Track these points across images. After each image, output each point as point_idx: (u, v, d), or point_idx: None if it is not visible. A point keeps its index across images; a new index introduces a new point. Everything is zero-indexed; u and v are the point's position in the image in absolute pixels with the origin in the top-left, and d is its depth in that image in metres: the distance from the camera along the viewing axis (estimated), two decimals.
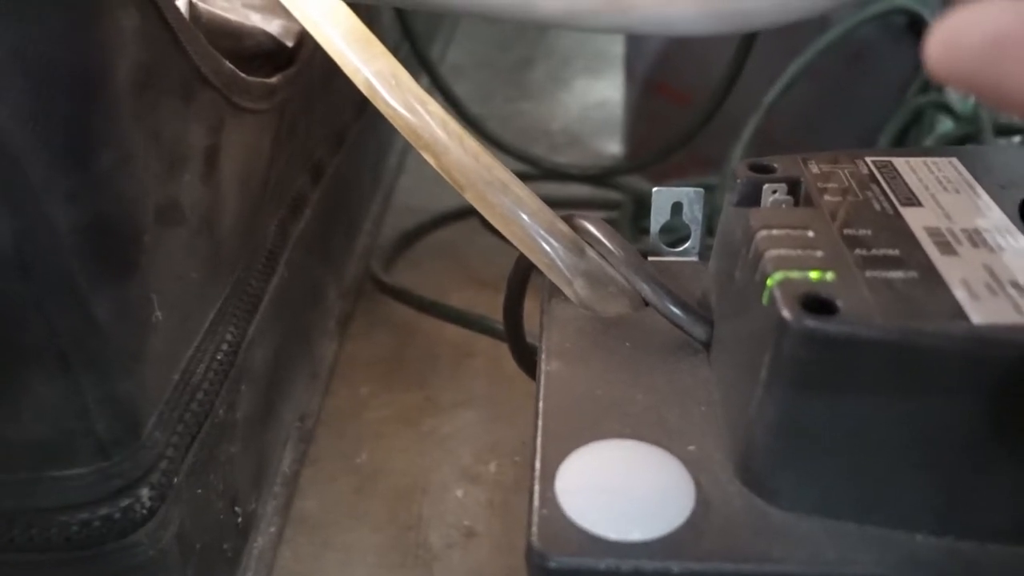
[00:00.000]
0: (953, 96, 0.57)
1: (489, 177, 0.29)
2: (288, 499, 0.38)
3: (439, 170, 0.29)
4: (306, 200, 0.40)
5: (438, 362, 0.46)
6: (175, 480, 0.27)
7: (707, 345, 0.26)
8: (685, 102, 0.60)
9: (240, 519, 0.33)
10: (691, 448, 0.23)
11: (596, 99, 0.79)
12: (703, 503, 0.21)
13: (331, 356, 0.46)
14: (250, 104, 0.30)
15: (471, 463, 0.40)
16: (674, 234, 0.32)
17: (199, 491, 0.29)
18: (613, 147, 0.70)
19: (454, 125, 0.29)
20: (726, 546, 0.20)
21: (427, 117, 0.29)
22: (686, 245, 0.31)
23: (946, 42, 0.14)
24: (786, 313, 0.20)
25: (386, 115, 0.29)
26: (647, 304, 0.28)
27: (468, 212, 0.57)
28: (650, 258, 0.31)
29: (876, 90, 0.55)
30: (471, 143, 0.29)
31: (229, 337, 0.31)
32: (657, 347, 0.27)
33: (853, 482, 0.20)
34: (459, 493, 0.38)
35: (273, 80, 0.33)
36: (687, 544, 0.20)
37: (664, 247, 0.31)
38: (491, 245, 0.55)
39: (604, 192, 0.60)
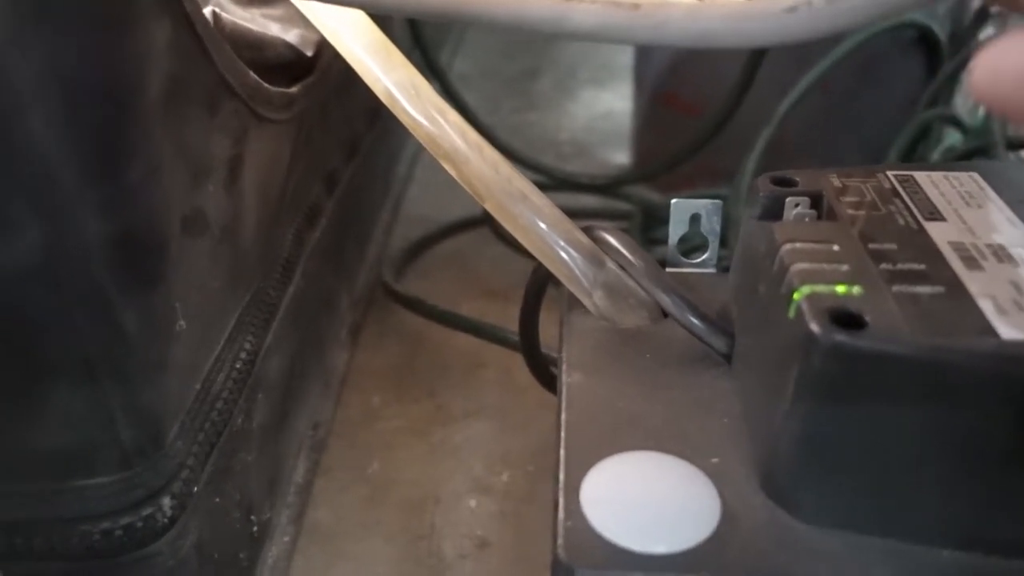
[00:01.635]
0: (962, 109, 0.57)
1: (509, 187, 0.29)
2: (301, 508, 0.38)
3: (459, 180, 0.29)
4: (321, 209, 0.40)
5: (449, 372, 0.46)
6: (195, 489, 0.27)
7: (728, 357, 0.26)
8: (694, 113, 0.60)
9: (255, 528, 0.33)
10: (715, 460, 0.23)
11: (602, 110, 0.79)
12: (728, 516, 0.21)
13: (343, 365, 0.46)
14: (272, 114, 0.30)
15: (483, 473, 0.40)
16: (686, 244, 0.32)
17: (217, 500, 0.29)
18: (620, 158, 0.70)
19: (473, 135, 0.29)
20: (750, 560, 0.20)
21: (447, 127, 0.29)
22: (704, 257, 0.31)
23: (988, 67, 0.15)
24: (815, 327, 0.20)
25: (406, 125, 0.29)
26: (667, 316, 0.28)
27: (478, 222, 0.57)
28: (667, 269, 0.31)
29: (886, 103, 0.55)
30: (490, 153, 0.29)
31: (248, 346, 0.31)
32: (677, 359, 0.27)
33: (878, 497, 0.20)
34: (471, 503, 0.38)
35: (293, 90, 0.33)
36: (712, 557, 0.20)
37: (682, 258, 0.32)
38: (501, 255, 0.55)
39: (613, 202, 0.61)
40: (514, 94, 0.83)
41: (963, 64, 0.53)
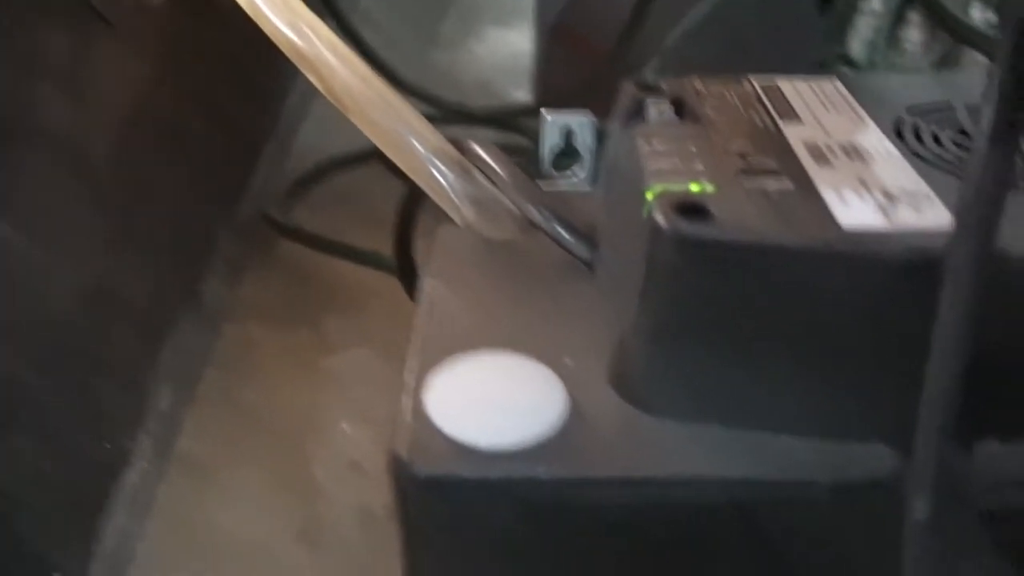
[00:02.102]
0: (855, 49, 0.58)
1: (377, 100, 0.28)
2: (168, 438, 0.36)
3: (325, 93, 0.28)
4: (191, 134, 0.38)
5: (334, 303, 0.45)
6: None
7: (592, 266, 0.26)
8: (593, 49, 0.60)
9: (111, 454, 0.31)
10: (567, 361, 0.22)
11: (508, 50, 0.78)
12: (576, 413, 0.21)
13: (221, 297, 0.44)
14: (126, 23, 0.28)
15: (363, 400, 0.39)
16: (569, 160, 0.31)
17: (60, 423, 0.27)
18: (523, 96, 0.69)
19: (344, 49, 0.28)
20: (597, 453, 0.20)
21: (313, 37, 0.27)
22: (578, 172, 0.31)
23: None
24: (661, 220, 0.19)
25: (270, 35, 0.28)
26: (535, 227, 0.27)
27: (371, 156, 0.55)
28: (543, 185, 0.31)
29: (779, 39, 0.55)
30: (361, 66, 0.28)
31: (101, 267, 0.29)
32: (543, 269, 0.26)
33: (724, 387, 0.20)
34: (348, 430, 0.38)
35: (155, 1, 0.31)
36: (558, 452, 0.20)
37: (556, 174, 0.31)
38: (394, 189, 0.54)
39: (512, 137, 0.60)
40: (418, 33, 0.81)
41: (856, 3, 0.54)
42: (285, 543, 0.33)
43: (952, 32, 0.41)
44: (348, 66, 0.27)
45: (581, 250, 0.26)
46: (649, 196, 0.21)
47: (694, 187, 0.21)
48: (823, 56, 0.54)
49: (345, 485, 0.35)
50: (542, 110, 0.30)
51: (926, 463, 0.18)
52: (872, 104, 0.24)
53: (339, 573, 0.32)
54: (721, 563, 0.21)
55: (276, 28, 0.27)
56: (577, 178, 0.30)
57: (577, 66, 0.58)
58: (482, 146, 0.28)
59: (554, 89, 0.62)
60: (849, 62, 0.54)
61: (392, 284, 0.44)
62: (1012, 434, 0.20)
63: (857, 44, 0.57)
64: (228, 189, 0.47)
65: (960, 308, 0.17)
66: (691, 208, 0.19)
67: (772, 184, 0.20)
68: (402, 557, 0.22)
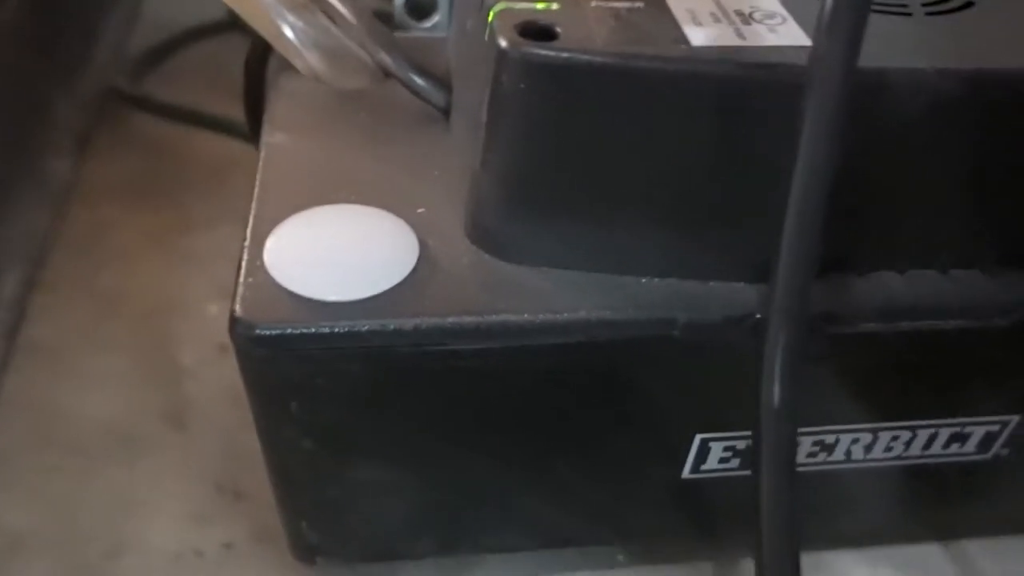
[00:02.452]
0: None
1: None
2: (13, 325, 0.34)
3: None
4: None
5: (193, 178, 0.42)
6: None
7: (447, 113, 0.24)
8: None
9: None
10: (420, 211, 0.21)
11: None
12: (427, 261, 0.20)
13: (66, 175, 0.41)
14: None
15: (228, 279, 0.37)
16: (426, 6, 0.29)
17: None
18: None
19: None
20: (449, 301, 0.19)
21: None
22: (435, 19, 0.29)
23: None
24: (503, 42, 0.18)
25: None
26: (387, 75, 0.25)
27: (228, 26, 0.51)
28: (397, 34, 0.29)
29: None
30: None
31: None
32: (396, 118, 0.25)
33: (579, 228, 0.19)
34: (213, 310, 0.36)
35: None
36: (406, 301, 0.19)
37: (412, 22, 0.29)
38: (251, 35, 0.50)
39: None
40: None
41: None
42: (149, 426, 0.31)
43: None
44: None
45: (437, 97, 0.25)
46: (491, 17, 0.19)
47: (540, 5, 0.19)
48: None
49: (212, 367, 0.33)
50: None
51: (786, 296, 0.18)
52: None
53: (208, 453, 0.31)
54: (579, 405, 0.21)
55: None
56: (432, 23, 0.29)
57: None
58: None
59: None
60: None
61: (252, 156, 0.41)
62: (868, 267, 0.21)
63: None
64: (67, 59, 0.43)
65: (825, 123, 0.16)
66: (535, 28, 0.18)
67: (622, 4, 0.19)
68: (256, 427, 0.21)
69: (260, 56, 0.29)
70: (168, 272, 0.37)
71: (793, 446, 0.19)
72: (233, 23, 0.51)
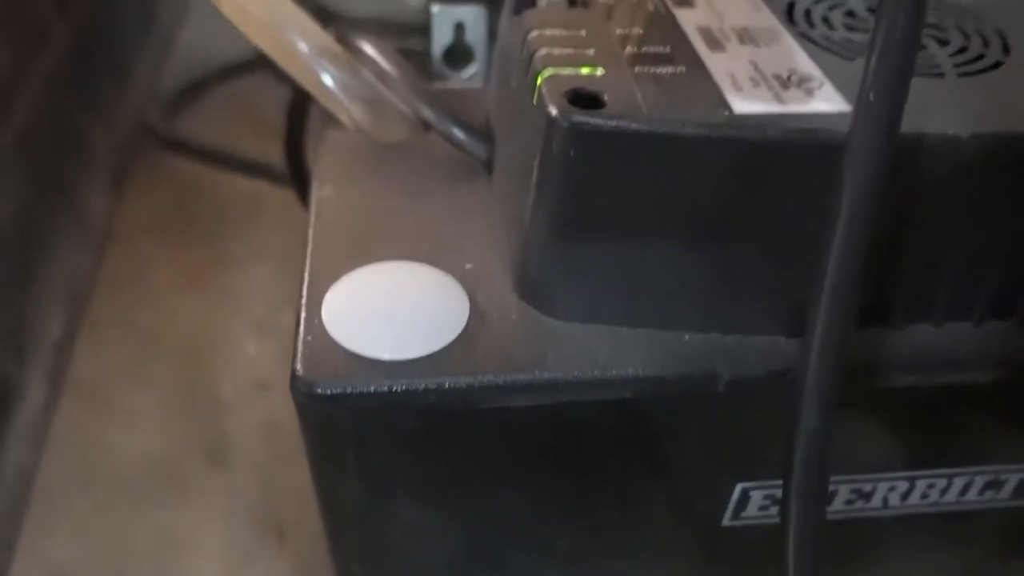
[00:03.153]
0: None
1: None
2: (60, 365, 0.35)
3: None
4: (49, 32, 0.35)
5: (227, 216, 0.43)
6: None
7: (490, 166, 0.25)
8: None
9: None
10: (468, 266, 0.22)
11: None
12: (478, 318, 0.20)
13: (103, 213, 0.42)
14: None
15: (264, 316, 0.38)
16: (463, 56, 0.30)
17: None
18: None
19: None
20: (500, 357, 0.20)
21: None
22: (471, 69, 0.30)
23: None
24: (552, 109, 0.19)
25: None
26: (428, 128, 0.26)
27: (260, 63, 0.52)
28: (435, 84, 0.30)
29: None
30: None
31: None
32: (438, 170, 0.25)
33: (625, 285, 0.20)
34: (251, 348, 0.36)
35: None
36: (460, 358, 0.20)
37: (450, 72, 0.30)
38: (285, 96, 0.51)
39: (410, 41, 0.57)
40: None
41: None
42: (191, 463, 0.32)
43: None
44: None
45: (477, 149, 0.25)
46: (538, 81, 0.20)
47: (585, 71, 0.20)
48: None
49: (251, 403, 0.34)
50: (431, 3, 0.28)
51: (824, 348, 0.18)
52: None
53: (249, 490, 0.31)
54: (623, 457, 0.21)
55: None
56: (470, 75, 0.29)
57: None
58: (370, 43, 0.27)
59: None
60: None
61: (287, 195, 0.42)
62: (904, 320, 0.21)
63: None
64: (106, 96, 0.44)
65: (866, 185, 0.17)
66: (582, 93, 0.19)
67: (664, 69, 0.20)
68: (311, 475, 0.22)
69: (301, 105, 0.30)
70: (205, 309, 0.38)
71: (824, 494, 0.19)
72: (264, 60, 0.52)
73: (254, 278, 0.40)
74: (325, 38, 0.26)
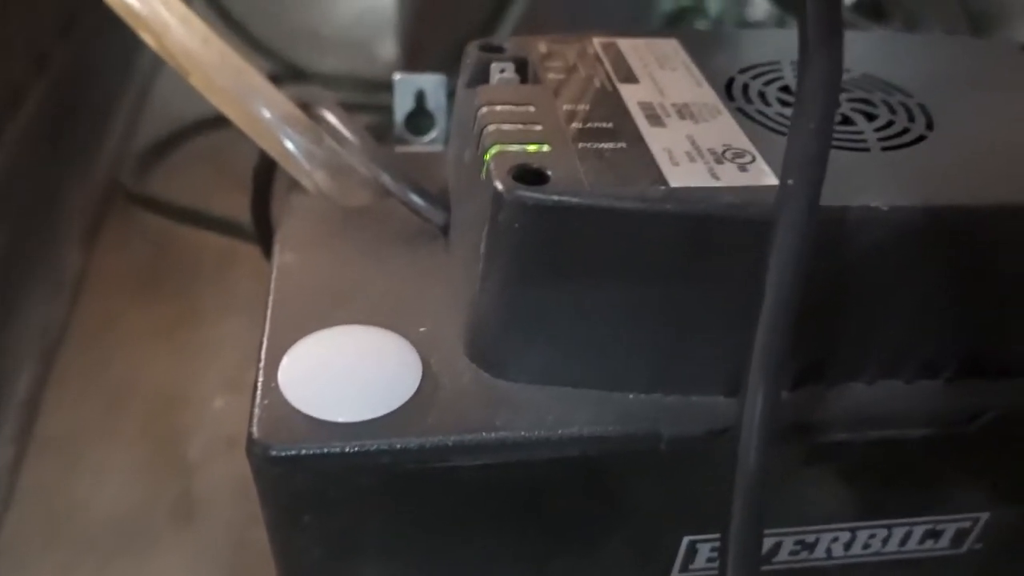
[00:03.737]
0: (709, 3, 0.59)
1: (218, 62, 0.27)
2: (28, 420, 0.35)
3: (160, 53, 0.27)
4: (26, 92, 0.36)
5: (200, 271, 0.44)
6: None
7: (446, 230, 0.26)
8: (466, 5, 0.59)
9: None
10: (423, 329, 0.23)
11: (370, 2, 0.76)
12: (430, 380, 0.21)
13: (77, 268, 0.42)
14: None
15: (234, 371, 0.38)
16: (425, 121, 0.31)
17: None
18: (388, 50, 0.68)
19: (180, 6, 0.27)
20: (451, 419, 0.20)
21: None
22: (432, 134, 0.31)
23: None
24: (499, 184, 0.20)
25: None
26: (388, 193, 0.27)
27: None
28: (397, 148, 0.31)
29: None
30: (200, 25, 0.27)
31: None
32: (397, 235, 0.26)
33: (572, 348, 0.21)
34: (220, 403, 0.37)
35: None
36: (411, 420, 0.20)
37: (412, 137, 0.31)
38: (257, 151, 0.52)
39: (379, 97, 0.59)
40: None
41: None
42: (158, 519, 0.33)
43: None
44: (185, 25, 0.26)
45: (434, 214, 0.26)
46: (487, 157, 0.21)
47: (531, 148, 0.21)
48: (676, 9, 0.55)
49: (219, 459, 0.35)
50: (394, 72, 0.29)
51: (757, 409, 0.19)
52: (707, 63, 0.25)
53: (217, 547, 0.32)
54: (573, 512, 0.22)
55: None
56: (431, 139, 0.31)
57: (449, 20, 0.57)
58: (331, 110, 0.28)
59: (426, 45, 0.61)
60: (704, 15, 0.56)
61: (256, 250, 0.43)
62: (838, 379, 0.22)
63: None
64: (81, 153, 0.45)
65: (790, 256, 0.18)
66: (528, 171, 0.20)
67: (607, 145, 0.21)
68: (269, 538, 0.22)
69: (267, 169, 0.31)
70: (176, 364, 0.39)
71: (759, 542, 0.20)
72: None
73: (225, 333, 0.41)
74: (288, 106, 0.27)
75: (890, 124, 0.23)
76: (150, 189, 0.47)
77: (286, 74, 0.57)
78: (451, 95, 0.30)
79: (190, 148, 0.54)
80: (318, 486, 0.20)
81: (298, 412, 0.20)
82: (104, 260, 0.44)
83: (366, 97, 0.56)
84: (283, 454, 0.20)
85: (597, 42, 0.26)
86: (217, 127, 0.54)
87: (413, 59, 0.62)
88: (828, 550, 0.24)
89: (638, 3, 0.56)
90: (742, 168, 0.21)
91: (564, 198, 0.19)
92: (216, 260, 0.45)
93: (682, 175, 0.20)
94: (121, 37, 0.53)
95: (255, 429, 0.20)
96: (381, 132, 0.31)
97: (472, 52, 0.25)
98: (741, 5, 0.53)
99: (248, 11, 0.59)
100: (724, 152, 0.21)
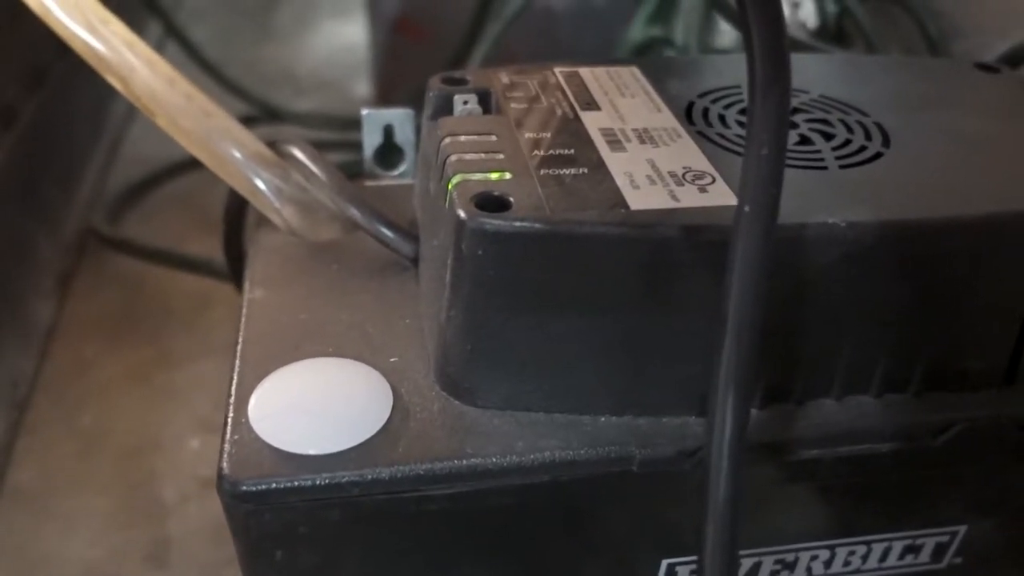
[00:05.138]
0: (678, 32, 0.60)
1: (184, 104, 0.27)
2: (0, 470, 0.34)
3: (127, 96, 0.27)
4: None
5: (173, 315, 0.44)
6: None
7: (415, 261, 0.26)
8: (428, 38, 0.60)
9: None
10: (393, 360, 0.23)
11: (344, 42, 0.77)
12: (400, 410, 0.21)
13: (48, 317, 0.42)
14: None
15: (208, 413, 0.38)
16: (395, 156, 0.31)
17: None
18: (362, 89, 0.69)
19: (146, 49, 0.27)
20: (421, 448, 0.20)
21: (111, 37, 0.26)
22: (402, 168, 0.31)
23: None
24: (461, 213, 0.20)
25: (63, 37, 0.27)
26: (357, 227, 0.27)
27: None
28: (367, 183, 0.31)
29: (600, 28, 0.57)
30: (165, 68, 0.27)
31: None
32: (367, 268, 0.26)
33: (540, 374, 0.21)
34: (195, 444, 0.37)
35: None
36: (381, 451, 0.20)
37: (381, 170, 0.31)
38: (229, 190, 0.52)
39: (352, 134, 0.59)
40: (251, 26, 0.79)
41: None
42: (131, 567, 0.32)
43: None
44: (151, 68, 0.26)
45: (403, 246, 0.26)
46: (449, 186, 0.21)
47: (493, 176, 0.21)
48: (645, 39, 0.56)
49: (194, 502, 0.34)
50: (362, 108, 0.30)
51: (724, 429, 0.19)
52: (667, 89, 0.25)
53: None
54: (548, 540, 0.22)
55: (68, 29, 0.26)
56: (400, 172, 0.31)
57: (422, 58, 0.58)
58: (299, 147, 0.28)
59: (394, 81, 0.62)
60: (671, 45, 0.56)
61: (230, 291, 0.43)
62: (806, 396, 0.22)
63: (679, 27, 0.59)
64: (51, 201, 0.45)
65: (750, 273, 0.18)
66: (490, 199, 0.20)
67: (568, 171, 0.21)
68: (241, 570, 0.22)
69: (238, 207, 0.31)
70: (149, 408, 0.39)
71: (735, 560, 0.20)
72: None
73: (200, 374, 0.40)
74: (256, 144, 0.27)
75: (847, 143, 0.23)
76: (124, 233, 0.47)
77: (261, 115, 0.57)
78: (419, 129, 0.30)
79: (164, 192, 0.54)
80: (290, 520, 0.20)
81: (268, 446, 0.20)
82: (77, 307, 0.44)
83: (341, 135, 0.57)
84: (253, 489, 0.20)
85: (559, 71, 0.26)
86: (191, 170, 0.54)
87: (386, 97, 0.63)
88: (808, 568, 0.24)
89: (607, 36, 0.57)
90: (702, 189, 0.21)
91: (526, 224, 0.19)
92: (190, 303, 0.45)
93: (642, 198, 0.20)
94: (94, 83, 0.54)
95: (225, 465, 0.20)
96: (355, 169, 0.31)
97: (435, 85, 0.26)
98: (710, 34, 0.54)
99: (223, 55, 0.60)
100: (684, 174, 0.21)
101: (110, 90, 0.57)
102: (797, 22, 0.52)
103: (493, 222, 0.19)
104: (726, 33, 0.56)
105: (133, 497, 0.34)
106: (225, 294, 0.45)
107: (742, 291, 0.18)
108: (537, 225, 0.19)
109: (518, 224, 0.19)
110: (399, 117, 0.30)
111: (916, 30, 0.47)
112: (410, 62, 0.60)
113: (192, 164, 0.54)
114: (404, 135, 0.30)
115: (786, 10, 0.54)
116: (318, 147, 0.34)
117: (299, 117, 0.59)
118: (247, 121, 0.27)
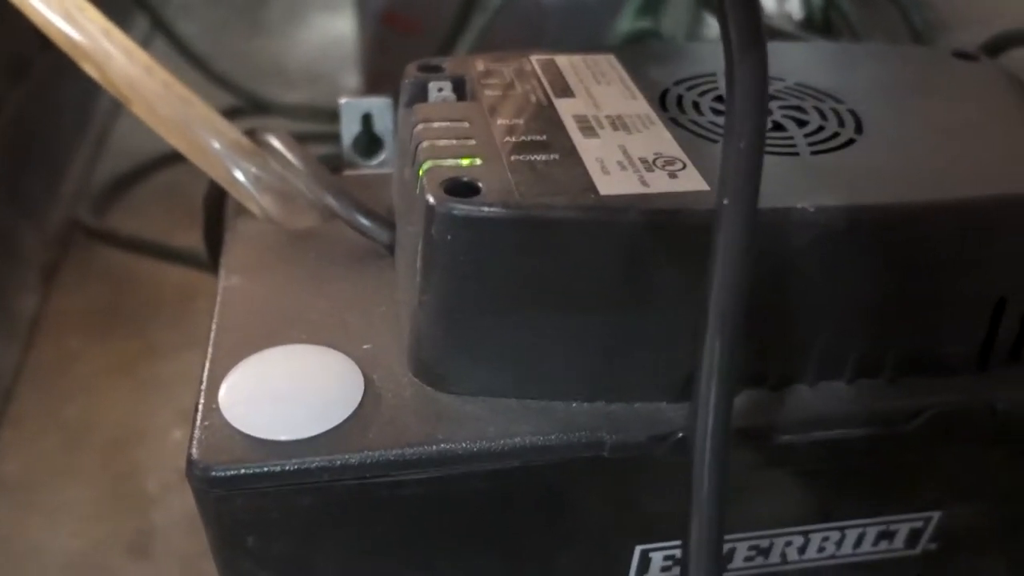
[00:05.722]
0: (667, 26, 0.60)
1: (161, 91, 0.27)
2: None
3: (103, 84, 0.27)
4: None
5: (159, 308, 0.44)
6: None
7: (392, 249, 0.26)
8: (415, 30, 0.60)
9: None
10: (366, 347, 0.23)
11: (334, 35, 0.77)
12: (372, 396, 0.21)
13: (32, 310, 0.42)
14: None
15: (191, 405, 0.38)
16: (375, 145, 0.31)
17: None
18: (352, 82, 0.69)
19: (122, 37, 0.27)
20: (392, 434, 0.20)
21: (87, 24, 0.26)
22: (380, 157, 0.31)
23: None
24: (430, 198, 0.20)
25: (39, 25, 0.27)
26: (334, 215, 0.27)
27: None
28: (346, 172, 0.31)
29: (588, 18, 0.57)
30: (143, 56, 0.27)
31: None
32: (344, 256, 0.26)
33: (511, 359, 0.21)
34: (178, 436, 0.37)
35: None
36: (352, 436, 0.20)
37: (360, 160, 0.31)
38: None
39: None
40: (241, 20, 0.79)
41: None
42: (115, 557, 0.32)
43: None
44: (128, 55, 0.26)
45: (380, 234, 0.26)
46: (420, 172, 0.21)
47: (464, 162, 0.21)
48: (633, 32, 0.56)
49: (176, 493, 0.34)
50: (342, 101, 0.30)
51: (708, 415, 0.19)
52: (643, 76, 0.25)
53: None
54: (521, 527, 0.22)
55: (43, 16, 0.26)
56: (379, 161, 0.31)
57: (410, 50, 0.58)
58: (276, 136, 0.28)
59: (387, 74, 0.62)
60: (660, 37, 0.56)
61: (216, 284, 0.43)
62: (780, 382, 0.22)
63: (667, 19, 0.59)
64: (35, 195, 0.45)
65: (736, 251, 0.18)
66: (460, 184, 0.20)
67: (540, 157, 0.21)
68: (215, 563, 0.22)
69: (217, 197, 0.31)
70: (133, 401, 0.39)
71: (720, 548, 0.20)
72: None
73: (185, 366, 0.40)
74: (234, 133, 0.27)
75: (820, 129, 0.23)
76: (110, 225, 0.47)
77: (249, 107, 0.57)
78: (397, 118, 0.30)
79: (150, 184, 0.54)
80: (259, 506, 0.20)
81: (239, 432, 0.20)
82: (62, 299, 0.44)
83: (328, 127, 0.56)
84: (223, 474, 0.20)
85: (535, 59, 0.26)
86: (177, 163, 0.54)
87: (375, 88, 0.63)
88: (783, 555, 0.24)
89: (595, 28, 0.57)
90: (672, 175, 0.21)
91: (494, 209, 0.19)
92: (175, 295, 0.45)
93: (612, 183, 0.20)
94: (80, 75, 0.53)
95: (195, 450, 0.20)
96: (341, 160, 0.31)
97: (411, 72, 0.26)
98: (698, 26, 0.54)
99: (213, 49, 0.60)
100: (655, 160, 0.21)
101: (96, 83, 0.56)
102: (783, 14, 0.52)
103: (462, 207, 0.19)
104: (714, 25, 0.56)
105: (117, 488, 0.35)
106: (211, 286, 0.44)
107: (724, 284, 0.18)
108: (506, 210, 0.19)
109: (487, 209, 0.19)
110: (378, 106, 0.30)
111: (901, 21, 0.47)
112: (398, 54, 0.59)
113: (178, 157, 0.54)
114: (383, 124, 0.30)
115: (772, 2, 0.54)
116: (305, 139, 0.34)
117: (286, 109, 0.59)
118: (234, 113, 0.28)
